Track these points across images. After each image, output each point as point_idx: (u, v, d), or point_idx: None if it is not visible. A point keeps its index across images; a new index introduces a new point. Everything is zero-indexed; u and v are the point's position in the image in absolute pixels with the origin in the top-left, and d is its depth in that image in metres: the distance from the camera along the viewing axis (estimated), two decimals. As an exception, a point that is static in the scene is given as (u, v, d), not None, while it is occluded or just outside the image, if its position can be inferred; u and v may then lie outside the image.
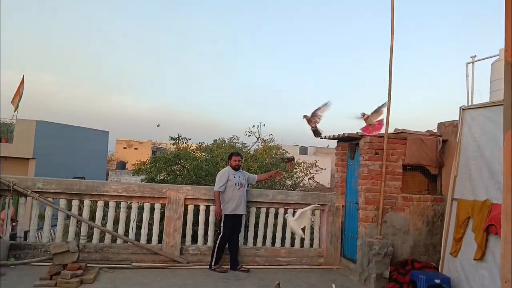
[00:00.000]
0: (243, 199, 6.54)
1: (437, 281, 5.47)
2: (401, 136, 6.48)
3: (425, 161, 6.44)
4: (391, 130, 6.59)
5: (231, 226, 6.44)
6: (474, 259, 5.21)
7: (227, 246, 6.57)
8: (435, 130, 6.80)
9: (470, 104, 6.12)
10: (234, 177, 6.53)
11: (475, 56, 8.11)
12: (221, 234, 6.41)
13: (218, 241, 6.41)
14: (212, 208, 6.89)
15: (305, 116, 6.72)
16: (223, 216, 6.44)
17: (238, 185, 6.50)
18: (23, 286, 5.02)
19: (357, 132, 6.56)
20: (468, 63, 8.10)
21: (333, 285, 5.17)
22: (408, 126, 6.74)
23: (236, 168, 6.63)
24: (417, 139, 6.43)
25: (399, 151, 6.40)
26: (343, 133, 6.84)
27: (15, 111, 17.45)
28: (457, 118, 6.08)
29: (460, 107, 6.02)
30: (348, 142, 7.23)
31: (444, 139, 6.52)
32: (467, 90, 7.93)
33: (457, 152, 5.93)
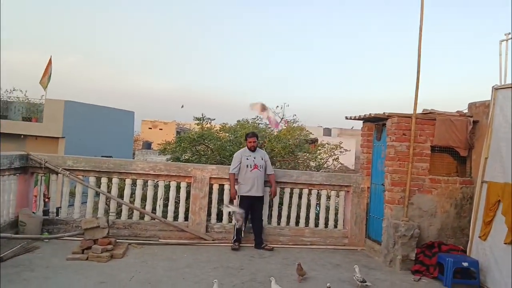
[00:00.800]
0: (257, 180, 6.48)
1: (465, 264, 5.40)
2: (429, 116, 6.31)
3: (454, 143, 6.27)
4: (419, 110, 6.44)
5: (247, 206, 6.46)
6: (505, 243, 5.10)
7: (250, 225, 6.66)
8: (466, 111, 6.60)
9: (503, 83, 5.86)
10: (247, 159, 6.53)
11: (509, 33, 7.73)
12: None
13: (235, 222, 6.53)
14: (236, 188, 6.95)
15: (262, 106, 7.12)
16: (238, 196, 6.55)
17: (251, 166, 6.48)
18: (57, 259, 5.24)
19: (384, 113, 6.42)
20: (502, 40, 7.72)
21: (356, 266, 5.17)
22: (437, 106, 6.56)
23: (252, 149, 6.61)
24: (447, 120, 6.25)
25: (427, 132, 6.24)
26: (369, 113, 6.71)
27: (44, 90, 17.91)
28: (489, 98, 5.87)
29: (492, 87, 5.80)
30: (375, 123, 7.10)
31: (474, 120, 6.31)
32: (500, 69, 7.60)
33: (488, 133, 5.74)
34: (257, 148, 6.77)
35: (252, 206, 6.55)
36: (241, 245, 6.52)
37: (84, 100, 20.81)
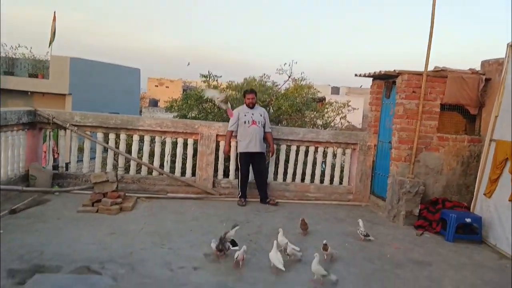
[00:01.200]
0: (255, 136, 6.44)
1: (468, 220, 5.47)
2: (441, 74, 6.17)
3: (465, 101, 6.17)
4: (431, 67, 6.29)
5: (246, 163, 6.54)
6: (509, 200, 5.13)
7: (254, 181, 6.75)
8: (478, 69, 6.43)
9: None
10: (245, 115, 6.49)
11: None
12: (240, 171, 6.66)
13: (239, 176, 6.69)
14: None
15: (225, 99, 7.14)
16: (238, 153, 6.63)
17: (249, 122, 6.43)
18: (68, 211, 5.38)
19: (394, 70, 6.29)
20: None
21: (360, 220, 5.27)
22: (450, 64, 6.41)
23: (250, 106, 6.55)
24: (458, 78, 6.12)
25: (438, 89, 6.13)
26: (380, 71, 6.57)
27: (49, 47, 17.70)
28: (503, 56, 5.71)
29: (507, 44, 5.61)
30: (385, 80, 6.97)
31: (487, 78, 6.17)
32: (516, 26, 7.35)
33: (500, 91, 5.63)
34: (256, 105, 6.72)
35: (253, 162, 6.58)
36: (247, 199, 6.63)
37: (90, 57, 20.58)
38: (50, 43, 17.74)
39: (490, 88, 6.17)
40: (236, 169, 7.13)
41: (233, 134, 6.67)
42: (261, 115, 6.55)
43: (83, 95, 18.23)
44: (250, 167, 6.65)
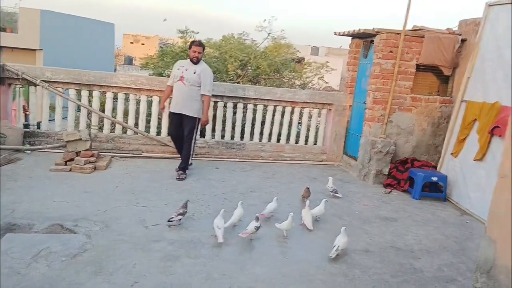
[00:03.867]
0: (178, 95, 5.68)
1: (434, 178, 5.69)
2: (418, 33, 6.17)
3: (440, 61, 6.23)
4: (409, 26, 6.28)
5: (172, 123, 5.92)
6: (474, 160, 5.33)
7: (235, 140, 6.67)
8: (456, 29, 6.45)
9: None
10: (178, 69, 5.72)
11: None
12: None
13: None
14: (219, 104, 6.93)
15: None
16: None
17: (177, 77, 5.68)
18: (40, 170, 5.32)
19: (373, 28, 6.25)
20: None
21: (330, 177, 5.44)
22: (429, 24, 6.40)
23: (193, 61, 5.65)
24: (435, 38, 6.14)
25: (415, 49, 6.15)
26: (359, 29, 6.52)
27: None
28: (481, 16, 5.72)
29: (486, 3, 5.61)
30: (363, 40, 6.93)
31: (463, 38, 6.21)
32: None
33: (475, 52, 5.70)
34: (202, 62, 5.81)
35: (177, 125, 5.83)
36: (224, 159, 6.66)
37: (62, 11, 19.63)
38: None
39: (465, 49, 6.22)
40: (212, 130, 7.12)
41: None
42: (195, 73, 5.60)
43: (55, 51, 17.55)
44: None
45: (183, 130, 5.79)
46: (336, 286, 3.20)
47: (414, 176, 5.75)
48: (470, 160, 5.42)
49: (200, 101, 5.73)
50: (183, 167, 5.74)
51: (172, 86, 5.80)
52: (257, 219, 3.85)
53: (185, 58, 6.50)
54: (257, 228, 3.81)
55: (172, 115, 5.88)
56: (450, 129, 5.98)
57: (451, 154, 5.83)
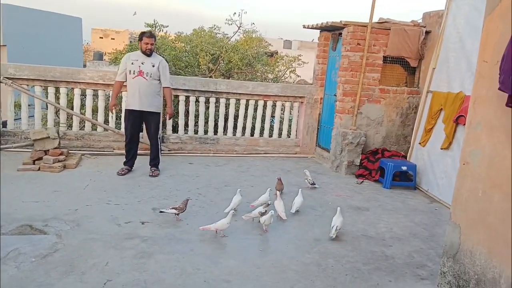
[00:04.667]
0: (139, 91, 5.29)
1: (404, 168, 5.85)
2: (384, 26, 6.30)
3: (406, 53, 6.38)
4: (376, 19, 6.40)
5: (130, 122, 5.46)
6: (441, 148, 5.51)
7: (210, 135, 6.63)
8: (420, 21, 6.62)
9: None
10: (132, 63, 5.31)
11: None
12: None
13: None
14: (191, 99, 6.89)
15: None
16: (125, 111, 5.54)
17: (134, 73, 5.28)
18: (7, 170, 5.15)
19: (340, 21, 6.33)
20: None
21: (306, 170, 5.51)
22: (395, 16, 6.53)
23: (146, 53, 5.33)
24: (401, 30, 6.28)
25: (381, 42, 6.28)
26: (327, 22, 6.59)
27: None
28: (444, 8, 5.89)
29: (448, -4, 5.79)
30: (332, 32, 7.02)
31: (427, 30, 6.38)
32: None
33: (439, 43, 5.87)
34: (155, 53, 5.57)
35: (145, 122, 5.60)
36: (197, 154, 6.63)
37: (25, 5, 18.94)
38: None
39: (430, 40, 6.39)
40: (185, 125, 7.07)
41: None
42: (153, 66, 5.33)
43: (20, 47, 16.91)
44: (144, 129, 5.82)
45: (140, 127, 5.65)
46: (310, 276, 3.26)
47: (384, 166, 5.89)
48: (437, 149, 5.60)
49: (161, 95, 5.60)
50: (156, 163, 5.64)
51: (123, 81, 5.47)
52: (266, 205, 4.10)
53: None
54: (262, 214, 3.96)
55: (131, 113, 5.42)
56: (418, 119, 6.15)
57: (419, 143, 6.00)
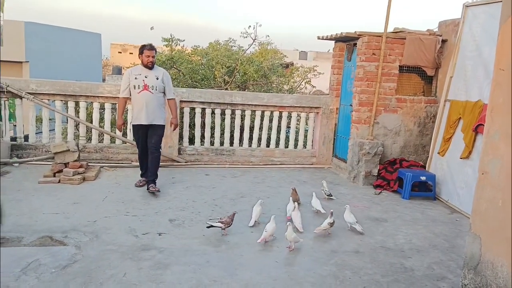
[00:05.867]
0: (146, 105, 5.18)
1: (423, 178, 5.75)
2: (400, 35, 6.27)
3: (422, 62, 6.33)
4: (391, 29, 6.38)
5: (139, 137, 5.38)
6: (461, 158, 5.41)
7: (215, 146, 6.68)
8: (436, 30, 6.57)
9: (475, 0, 5.81)
10: (136, 78, 5.21)
11: None
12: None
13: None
14: (207, 111, 6.96)
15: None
16: (130, 126, 5.40)
17: (139, 87, 5.17)
18: (28, 182, 5.28)
19: (355, 32, 6.33)
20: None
21: (324, 181, 5.48)
22: (410, 26, 6.51)
23: (148, 66, 5.23)
24: (416, 39, 6.24)
25: (397, 51, 6.24)
26: (341, 32, 6.60)
27: (1, 10, 16.63)
28: (460, 17, 5.84)
29: (463, 4, 5.75)
30: (346, 43, 7.02)
31: (443, 39, 6.32)
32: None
33: (455, 52, 5.80)
34: (156, 66, 5.46)
35: (145, 138, 5.38)
36: (214, 166, 6.66)
37: (47, 22, 19.55)
38: (1, 6, 16.66)
39: (446, 49, 6.34)
40: (202, 137, 7.13)
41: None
42: (157, 78, 5.24)
43: (42, 63, 17.44)
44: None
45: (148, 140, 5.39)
46: (327, 288, 3.22)
47: (403, 176, 5.81)
48: (456, 158, 5.50)
49: (165, 107, 5.47)
50: (155, 179, 5.35)
51: (127, 98, 5.37)
52: (331, 214, 4.20)
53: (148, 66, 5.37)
54: (331, 224, 4.09)
55: (139, 128, 5.31)
56: (436, 129, 6.06)
57: (438, 153, 5.90)
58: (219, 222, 4.02)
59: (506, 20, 2.73)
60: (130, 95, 5.29)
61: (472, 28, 5.53)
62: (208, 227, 4.02)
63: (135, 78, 5.22)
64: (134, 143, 6.64)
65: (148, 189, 5.25)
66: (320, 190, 5.46)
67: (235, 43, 11.52)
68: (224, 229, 4.03)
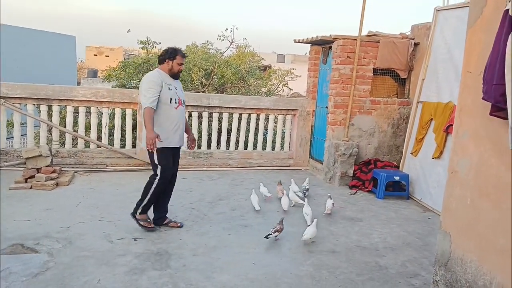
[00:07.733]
0: (181, 125, 4.23)
1: (397, 178, 5.87)
2: (374, 39, 6.40)
3: (396, 65, 6.47)
4: (365, 32, 6.50)
5: (173, 161, 4.29)
6: (432, 158, 5.55)
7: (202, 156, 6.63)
8: (409, 33, 6.73)
9: (445, 4, 5.98)
10: (170, 89, 4.08)
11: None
12: (159, 176, 4.15)
13: (154, 186, 4.17)
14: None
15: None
16: (156, 150, 3.98)
17: (175, 101, 4.11)
18: (-2, 189, 5.13)
19: (330, 35, 6.43)
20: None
21: (307, 178, 5.64)
22: (384, 29, 6.65)
23: (176, 76, 4.23)
24: (390, 42, 6.38)
25: (371, 54, 6.37)
26: (317, 36, 6.69)
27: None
28: (431, 20, 6.00)
29: (434, 8, 5.91)
30: (322, 46, 7.12)
31: (416, 42, 6.48)
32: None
33: (427, 55, 5.96)
34: None
35: (173, 162, 4.33)
36: (191, 169, 6.62)
37: (18, 24, 19.04)
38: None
39: (418, 52, 6.50)
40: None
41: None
42: (182, 91, 4.36)
43: (14, 66, 16.95)
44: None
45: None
46: (303, 288, 3.24)
47: (377, 177, 5.92)
48: (429, 158, 5.64)
49: None
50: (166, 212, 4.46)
51: (154, 109, 3.97)
52: (330, 197, 4.97)
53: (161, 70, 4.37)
54: (333, 204, 4.97)
55: (173, 151, 4.25)
56: (409, 130, 6.21)
57: (411, 153, 6.04)
58: (275, 232, 4.04)
59: (473, 24, 2.83)
60: (156, 107, 3.99)
61: (443, 32, 5.69)
62: (266, 237, 4.02)
63: (169, 89, 4.07)
64: (109, 147, 6.57)
65: (169, 224, 4.35)
66: (301, 184, 5.64)
67: (212, 46, 11.53)
68: (277, 236, 4.09)
